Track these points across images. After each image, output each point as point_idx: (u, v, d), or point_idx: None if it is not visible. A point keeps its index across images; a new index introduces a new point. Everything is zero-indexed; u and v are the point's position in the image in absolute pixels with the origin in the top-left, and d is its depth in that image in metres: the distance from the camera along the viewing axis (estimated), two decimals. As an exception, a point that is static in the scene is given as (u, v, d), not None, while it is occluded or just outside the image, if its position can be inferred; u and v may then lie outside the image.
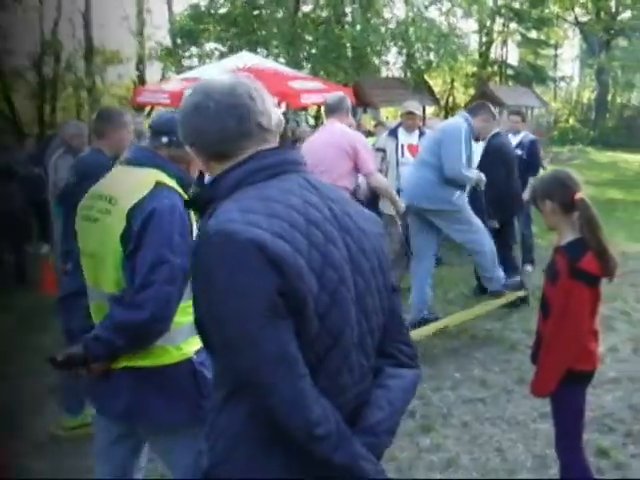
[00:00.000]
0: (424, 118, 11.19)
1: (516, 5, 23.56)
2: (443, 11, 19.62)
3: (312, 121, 17.11)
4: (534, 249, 6.99)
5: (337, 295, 1.28)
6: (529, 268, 6.84)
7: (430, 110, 19.13)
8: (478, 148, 5.69)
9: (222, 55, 16.48)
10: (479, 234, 5.04)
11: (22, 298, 6.28)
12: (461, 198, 4.95)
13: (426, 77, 19.48)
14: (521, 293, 5.51)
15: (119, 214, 2.02)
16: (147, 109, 13.37)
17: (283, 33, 16.47)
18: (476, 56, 23.76)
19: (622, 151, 19.62)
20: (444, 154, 4.78)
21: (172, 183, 2.13)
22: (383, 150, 6.38)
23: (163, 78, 19.53)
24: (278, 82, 9.20)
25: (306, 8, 18.82)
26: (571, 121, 25.31)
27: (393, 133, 6.43)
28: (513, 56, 27.19)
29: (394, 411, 1.39)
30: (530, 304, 5.54)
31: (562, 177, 2.62)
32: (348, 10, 18.26)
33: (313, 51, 17.28)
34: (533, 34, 25.12)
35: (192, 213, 2.06)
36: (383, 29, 17.25)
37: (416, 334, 4.47)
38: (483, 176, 5.08)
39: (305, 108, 14.67)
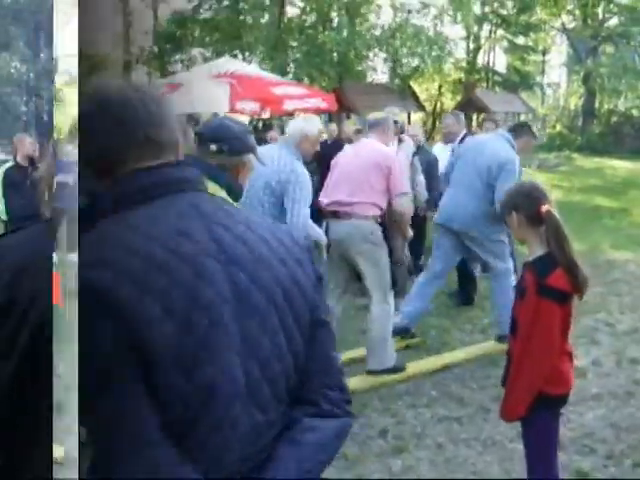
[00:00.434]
0: (409, 123, 11.06)
1: (503, 11, 23.57)
2: (430, 18, 19.62)
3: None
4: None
5: (208, 341, 1.07)
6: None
7: (415, 117, 19.06)
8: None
9: (206, 60, 16.36)
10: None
11: None
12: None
13: (413, 83, 19.44)
14: None
15: None
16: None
17: (267, 38, 16.37)
18: (464, 63, 23.73)
19: (609, 157, 19.53)
20: (500, 188, 4.47)
21: (222, 193, 1.95)
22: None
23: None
24: (261, 88, 9.10)
25: (291, 12, 18.75)
26: (558, 127, 25.25)
27: None
28: (500, 62, 27.15)
29: (303, 471, 1.16)
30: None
31: (528, 188, 2.46)
32: (334, 15, 18.20)
33: (297, 56, 17.18)
34: (520, 40, 25.07)
35: None
36: (369, 35, 17.18)
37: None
38: None
39: (291, 114, 14.54)
